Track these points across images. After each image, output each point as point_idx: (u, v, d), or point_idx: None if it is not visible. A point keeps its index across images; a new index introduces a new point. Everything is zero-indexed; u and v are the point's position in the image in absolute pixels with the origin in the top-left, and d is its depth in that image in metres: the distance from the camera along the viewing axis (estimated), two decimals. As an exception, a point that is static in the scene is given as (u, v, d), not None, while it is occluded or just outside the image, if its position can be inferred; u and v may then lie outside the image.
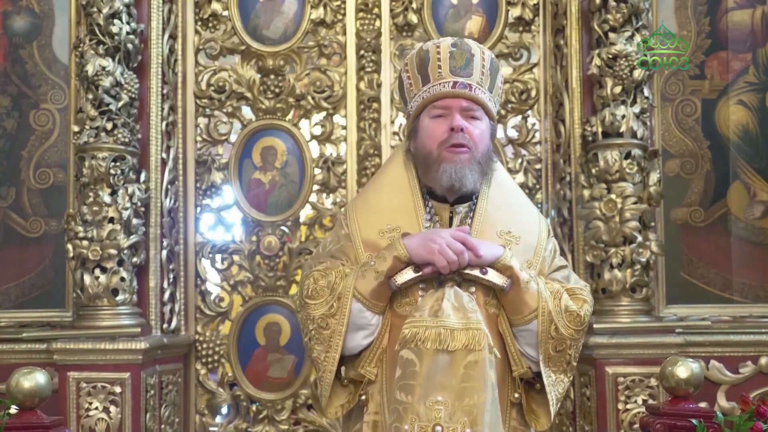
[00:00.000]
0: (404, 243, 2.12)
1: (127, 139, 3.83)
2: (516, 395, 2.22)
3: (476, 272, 2.12)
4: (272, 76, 4.34)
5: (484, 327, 2.07)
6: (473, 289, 2.17)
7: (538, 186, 4.30)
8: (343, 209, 2.42)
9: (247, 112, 4.41)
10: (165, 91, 4.11)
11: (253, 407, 4.28)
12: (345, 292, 2.14)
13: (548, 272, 2.27)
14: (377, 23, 4.32)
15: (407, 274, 2.12)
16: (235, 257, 4.33)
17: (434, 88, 2.23)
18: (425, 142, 2.23)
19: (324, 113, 4.37)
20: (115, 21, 3.81)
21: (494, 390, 2.06)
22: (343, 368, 2.25)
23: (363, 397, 2.21)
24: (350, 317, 2.14)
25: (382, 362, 2.17)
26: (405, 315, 2.14)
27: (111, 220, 3.77)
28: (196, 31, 4.35)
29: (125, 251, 3.79)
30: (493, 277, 2.13)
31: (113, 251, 3.75)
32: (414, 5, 4.32)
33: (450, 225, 2.24)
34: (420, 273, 2.12)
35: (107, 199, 3.78)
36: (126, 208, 3.80)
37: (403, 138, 4.29)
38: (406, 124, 2.44)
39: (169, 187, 4.11)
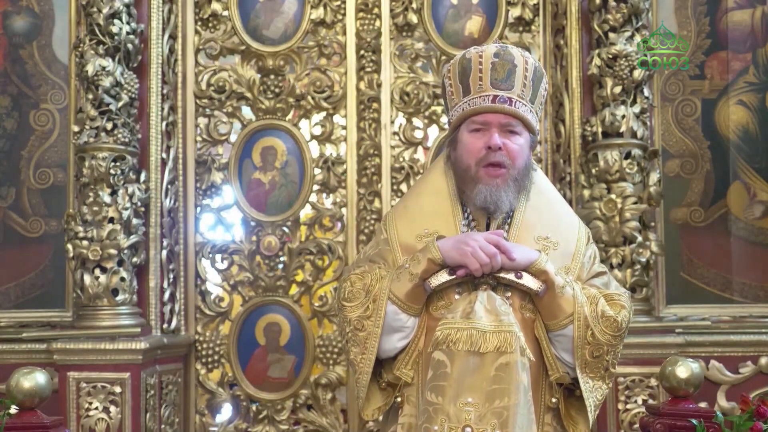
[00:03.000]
0: (438, 245, 2.13)
1: (127, 139, 3.83)
2: (554, 400, 2.20)
3: (511, 276, 2.12)
4: (272, 76, 4.34)
5: (516, 329, 2.07)
6: (509, 293, 2.17)
7: (538, 186, 4.29)
8: (383, 217, 2.44)
9: (247, 112, 4.41)
10: (165, 91, 4.10)
11: (253, 407, 4.28)
12: (380, 294, 2.15)
13: (586, 278, 2.25)
14: (377, 23, 4.32)
15: (441, 277, 2.12)
16: (235, 257, 4.33)
17: (474, 101, 2.22)
18: (463, 156, 2.23)
19: (324, 113, 4.37)
20: (115, 21, 3.81)
21: (526, 393, 2.05)
22: (383, 372, 2.26)
23: (398, 399, 2.22)
24: (385, 319, 2.15)
25: (418, 365, 2.18)
26: (440, 318, 2.15)
27: (111, 220, 3.77)
28: (196, 31, 4.35)
29: (125, 251, 3.79)
30: (528, 281, 2.12)
31: (113, 251, 3.75)
32: (414, 5, 4.32)
33: (487, 230, 2.23)
34: (454, 276, 2.12)
35: (107, 199, 3.78)
36: (126, 208, 3.80)
37: (404, 138, 4.31)
38: (447, 132, 2.43)
39: (169, 187, 4.10)
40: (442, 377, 2.05)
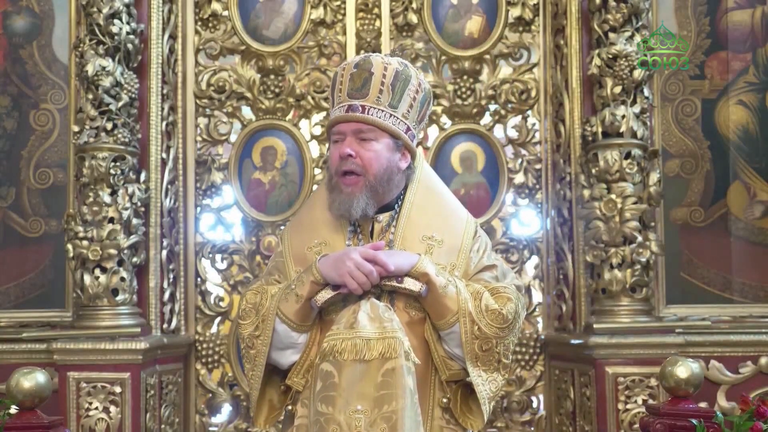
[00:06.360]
0: (318, 266, 2.18)
1: (127, 139, 3.83)
2: (444, 400, 2.25)
3: (393, 282, 2.18)
4: (272, 76, 4.34)
5: (400, 335, 2.11)
6: (394, 296, 2.21)
7: (538, 186, 4.29)
8: (282, 229, 2.48)
9: (247, 112, 4.41)
10: (165, 91, 4.10)
11: (253, 407, 4.27)
12: (268, 314, 2.22)
13: (473, 272, 2.30)
14: (377, 23, 4.32)
15: (326, 294, 2.18)
16: (235, 257, 4.33)
17: (334, 112, 2.28)
18: (328, 168, 2.32)
19: (324, 113, 4.37)
20: (115, 21, 3.81)
21: (413, 396, 2.10)
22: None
23: (289, 408, 2.29)
24: (278, 338, 2.21)
25: (309, 373, 2.23)
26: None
27: (111, 220, 3.77)
28: (196, 31, 4.35)
29: (125, 251, 3.79)
30: (410, 284, 2.18)
31: (113, 251, 3.75)
32: (414, 5, 4.32)
33: (371, 235, 2.29)
34: (338, 291, 2.18)
35: (107, 199, 3.78)
36: (126, 208, 3.80)
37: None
38: None
39: (169, 187, 4.10)
40: (331, 387, 2.09)
